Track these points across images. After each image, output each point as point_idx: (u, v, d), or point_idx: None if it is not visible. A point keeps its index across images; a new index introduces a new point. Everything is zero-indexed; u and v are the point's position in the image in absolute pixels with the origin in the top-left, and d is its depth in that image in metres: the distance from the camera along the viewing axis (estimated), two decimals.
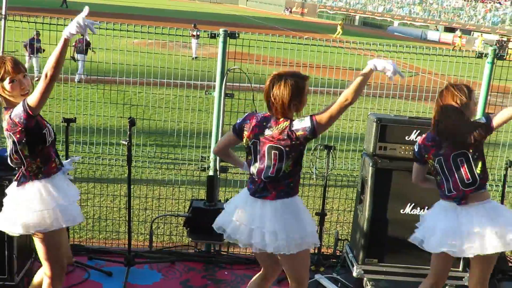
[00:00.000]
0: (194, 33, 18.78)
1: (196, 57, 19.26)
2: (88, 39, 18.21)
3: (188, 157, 6.27)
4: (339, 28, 47.67)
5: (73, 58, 16.10)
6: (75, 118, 4.98)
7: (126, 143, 4.87)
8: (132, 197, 5.80)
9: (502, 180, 5.26)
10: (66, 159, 5.10)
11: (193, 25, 22.79)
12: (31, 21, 5.52)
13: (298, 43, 5.82)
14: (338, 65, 6.48)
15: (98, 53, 5.88)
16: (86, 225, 6.27)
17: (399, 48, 5.90)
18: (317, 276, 5.32)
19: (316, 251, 5.57)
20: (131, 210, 5.28)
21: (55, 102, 3.71)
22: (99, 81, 6.41)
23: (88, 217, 6.46)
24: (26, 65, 4.30)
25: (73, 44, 15.50)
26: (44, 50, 7.76)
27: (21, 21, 5.58)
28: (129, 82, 6.14)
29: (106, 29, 5.55)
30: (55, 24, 5.49)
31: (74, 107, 6.26)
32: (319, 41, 5.97)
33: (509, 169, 5.17)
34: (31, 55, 12.37)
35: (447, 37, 64.39)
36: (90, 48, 14.76)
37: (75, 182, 6.75)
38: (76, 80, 11.15)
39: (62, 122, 4.92)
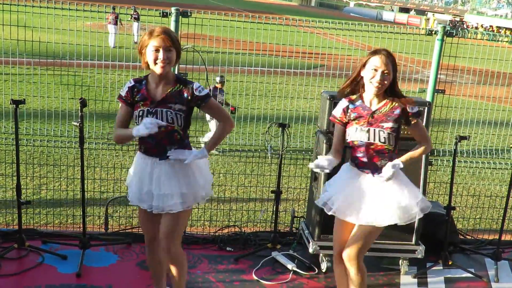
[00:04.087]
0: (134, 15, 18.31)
1: (135, 42, 17.90)
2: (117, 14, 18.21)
3: None
4: None
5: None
6: (24, 99, 4.85)
7: (78, 124, 4.79)
8: (88, 180, 5.73)
9: (453, 155, 5.39)
10: (16, 142, 5.01)
11: (132, 8, 21.98)
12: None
13: (251, 22, 5.79)
14: (293, 44, 6.50)
15: (48, 35, 5.73)
16: (41, 210, 6.17)
17: (351, 26, 5.95)
18: (274, 253, 5.37)
19: (273, 229, 5.62)
20: (87, 194, 5.22)
21: (4, 84, 3.62)
22: (51, 64, 6.27)
23: (43, 201, 6.37)
24: None
25: (106, 17, 16.89)
26: None
27: None
28: (83, 65, 6.02)
29: (55, 8, 5.43)
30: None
31: (26, 90, 6.13)
32: (272, 20, 5.96)
33: (458, 143, 5.30)
34: None
35: (402, 17, 65.24)
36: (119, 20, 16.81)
37: (32, 166, 6.66)
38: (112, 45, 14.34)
39: (10, 103, 4.80)
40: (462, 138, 5.26)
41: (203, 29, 5.55)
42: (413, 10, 73.08)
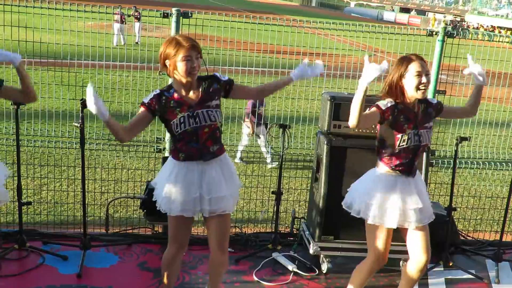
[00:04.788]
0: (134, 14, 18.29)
1: (136, 42, 17.54)
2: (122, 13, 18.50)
3: (144, 139, 6.22)
4: None
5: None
6: None
7: (79, 125, 4.80)
8: (88, 181, 5.73)
9: (454, 156, 5.39)
10: (17, 143, 5.01)
11: (133, 8, 21.69)
12: None
13: (252, 23, 5.79)
14: (293, 45, 6.50)
15: (48, 35, 5.74)
16: (41, 210, 6.17)
17: (352, 27, 5.94)
18: (275, 254, 5.37)
19: (273, 230, 5.62)
20: (88, 194, 5.22)
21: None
22: (51, 64, 6.27)
23: (44, 202, 6.37)
24: None
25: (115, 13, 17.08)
26: None
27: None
28: (83, 65, 6.02)
29: (56, 9, 5.42)
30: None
31: None
32: (272, 21, 5.96)
33: (459, 144, 5.29)
34: None
35: (403, 17, 65.21)
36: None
37: (32, 166, 6.65)
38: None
39: (11, 104, 4.80)
40: (463, 139, 5.26)
41: (204, 30, 5.55)
42: (413, 10, 73.06)
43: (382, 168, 3.95)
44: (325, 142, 5.05)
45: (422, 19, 60.11)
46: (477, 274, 5.33)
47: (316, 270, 5.21)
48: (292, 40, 6.46)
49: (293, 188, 6.58)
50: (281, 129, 5.38)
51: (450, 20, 52.69)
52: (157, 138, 5.97)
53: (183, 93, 3.72)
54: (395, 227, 3.93)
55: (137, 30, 20.18)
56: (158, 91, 3.72)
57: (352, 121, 3.64)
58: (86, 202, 5.11)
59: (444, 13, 66.97)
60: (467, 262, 5.61)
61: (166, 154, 5.57)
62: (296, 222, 5.95)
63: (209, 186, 3.75)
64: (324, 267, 5.18)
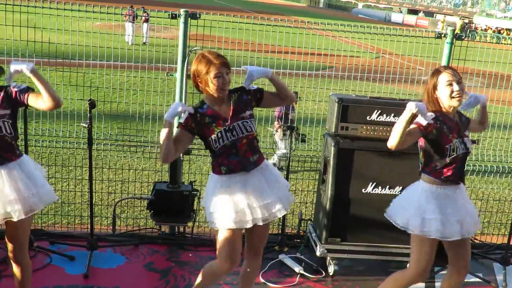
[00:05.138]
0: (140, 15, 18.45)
1: (144, 43, 18.06)
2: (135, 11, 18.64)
3: (152, 139, 6.23)
4: None
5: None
6: None
7: (86, 125, 4.81)
8: (95, 181, 5.74)
9: None
10: (25, 143, 5.03)
11: (142, 8, 21.49)
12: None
13: (260, 24, 5.79)
14: (301, 46, 6.49)
15: (57, 35, 5.76)
16: (49, 210, 6.18)
17: (360, 28, 5.93)
18: (281, 256, 5.37)
19: (280, 232, 5.61)
20: (95, 194, 5.23)
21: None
22: (59, 64, 6.29)
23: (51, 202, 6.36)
24: None
25: (124, 13, 17.44)
26: None
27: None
28: (91, 65, 6.04)
29: (65, 9, 5.44)
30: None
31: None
32: (281, 22, 5.96)
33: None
34: None
35: (411, 19, 65.07)
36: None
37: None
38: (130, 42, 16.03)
39: None
40: (472, 142, 5.22)
41: (212, 31, 5.56)
42: (421, 12, 72.89)
43: (432, 180, 3.89)
44: (333, 144, 5.04)
45: (430, 21, 59.96)
46: (484, 278, 5.30)
47: (323, 272, 5.20)
48: (300, 41, 6.45)
49: (300, 189, 6.56)
50: (288, 131, 5.38)
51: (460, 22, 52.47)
52: None
53: (216, 107, 3.77)
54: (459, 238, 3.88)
55: (145, 31, 20.22)
56: (192, 111, 3.73)
57: (392, 141, 3.69)
58: (93, 202, 5.12)
59: (452, 15, 66.77)
60: (475, 265, 5.58)
61: None
62: (303, 224, 5.94)
63: (255, 195, 3.76)
64: (331, 269, 5.17)
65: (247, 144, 3.76)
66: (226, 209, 3.74)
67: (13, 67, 3.55)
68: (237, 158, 3.74)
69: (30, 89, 3.63)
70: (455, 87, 3.77)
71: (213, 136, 3.72)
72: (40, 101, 3.59)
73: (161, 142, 3.64)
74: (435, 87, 3.83)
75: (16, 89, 3.59)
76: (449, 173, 3.85)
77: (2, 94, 3.58)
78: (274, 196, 3.81)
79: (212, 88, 3.68)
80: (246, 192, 3.75)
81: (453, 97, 3.79)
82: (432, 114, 3.78)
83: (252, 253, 4.15)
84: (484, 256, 5.74)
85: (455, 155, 3.82)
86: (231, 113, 3.75)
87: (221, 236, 3.84)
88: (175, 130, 3.84)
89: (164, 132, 3.61)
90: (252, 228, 3.85)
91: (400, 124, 3.64)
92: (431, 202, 3.86)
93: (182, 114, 3.74)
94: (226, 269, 3.92)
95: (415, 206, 3.89)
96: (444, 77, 3.80)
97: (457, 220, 3.84)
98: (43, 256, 5.05)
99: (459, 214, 3.86)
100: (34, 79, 3.55)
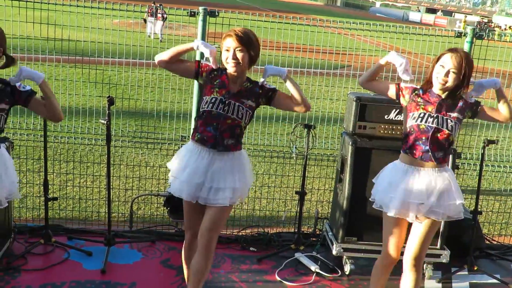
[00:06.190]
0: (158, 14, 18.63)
1: (160, 40, 18.28)
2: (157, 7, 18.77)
3: (169, 136, 6.25)
4: None
5: (144, 20, 19.38)
6: None
7: (105, 122, 4.84)
8: (113, 178, 5.78)
9: (480, 159, 5.33)
10: (44, 139, 5.07)
11: (159, 6, 20.95)
12: None
13: (278, 22, 5.79)
14: (319, 45, 6.48)
15: (76, 32, 5.81)
16: (67, 206, 6.24)
17: (379, 27, 5.90)
18: (297, 255, 5.36)
19: (296, 230, 5.61)
20: (112, 191, 5.26)
21: (33, 82, 3.69)
22: (78, 61, 6.34)
23: (68, 198, 6.43)
24: None
25: (146, 10, 18.41)
26: None
27: None
28: (109, 62, 6.08)
29: (86, 7, 5.48)
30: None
31: (53, 87, 6.20)
32: (299, 20, 5.95)
33: (486, 147, 5.23)
34: None
35: (429, 18, 64.62)
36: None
37: (58, 162, 6.73)
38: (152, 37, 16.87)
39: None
40: (490, 142, 5.19)
41: (230, 29, 5.56)
42: (440, 11, 72.36)
43: (400, 155, 3.96)
44: (350, 143, 5.03)
45: (448, 20, 59.49)
46: (502, 279, 5.26)
47: (339, 271, 5.19)
48: (318, 39, 6.44)
49: (316, 188, 6.55)
50: (305, 129, 5.37)
51: (477, 21, 52.03)
52: (181, 136, 6.00)
53: (229, 80, 3.79)
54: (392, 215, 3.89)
55: (159, 28, 20.28)
56: (215, 65, 3.82)
57: (361, 77, 3.95)
58: (111, 198, 5.15)
59: (471, 14, 66.20)
60: (492, 266, 5.54)
61: None
62: (319, 222, 5.93)
63: (213, 175, 3.76)
64: (347, 268, 5.16)
65: (229, 126, 3.75)
66: (183, 178, 3.78)
67: (26, 74, 3.59)
68: (214, 132, 3.73)
69: (33, 93, 3.70)
70: (442, 73, 3.72)
71: (208, 97, 3.75)
72: (41, 109, 3.66)
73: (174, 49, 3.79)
74: (436, 60, 3.81)
75: (21, 89, 3.64)
76: (409, 144, 3.83)
77: (7, 89, 3.62)
78: (228, 184, 3.76)
79: (222, 59, 3.73)
80: (207, 170, 3.75)
81: (436, 79, 3.76)
82: (415, 86, 3.90)
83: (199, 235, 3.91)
84: (502, 257, 5.69)
85: (413, 123, 3.80)
86: (235, 91, 3.77)
87: (183, 204, 4.00)
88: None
89: (182, 46, 3.79)
90: (206, 208, 3.84)
91: (375, 64, 3.90)
92: (386, 176, 3.98)
93: (205, 57, 3.82)
94: (187, 240, 4.09)
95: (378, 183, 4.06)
96: (446, 58, 3.74)
97: (400, 198, 3.81)
98: (61, 251, 5.10)
99: (410, 194, 3.80)
100: (43, 91, 3.60)
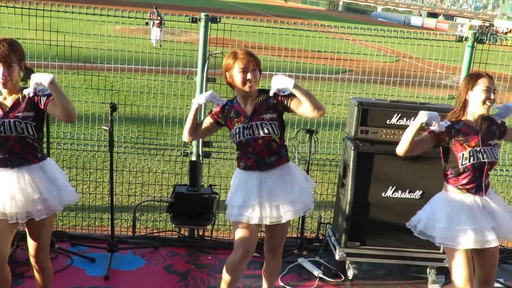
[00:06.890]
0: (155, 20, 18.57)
1: (158, 47, 18.01)
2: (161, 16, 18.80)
3: (171, 142, 6.27)
4: None
5: (146, 23, 19.62)
6: None
7: (108, 128, 4.86)
8: (115, 184, 5.79)
9: None
10: (47, 146, 5.09)
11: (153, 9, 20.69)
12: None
13: (279, 28, 5.80)
14: (320, 50, 6.48)
15: (79, 39, 5.83)
16: (69, 212, 6.24)
17: (380, 32, 5.91)
18: (300, 260, 5.37)
19: (299, 235, 5.61)
20: (115, 197, 5.27)
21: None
22: (81, 68, 6.36)
23: (71, 204, 6.42)
24: None
25: (148, 16, 18.57)
26: None
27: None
28: (111, 69, 6.10)
29: (89, 13, 5.50)
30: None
31: None
32: (300, 26, 5.96)
33: None
34: None
35: (430, 22, 64.64)
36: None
37: (61, 168, 6.73)
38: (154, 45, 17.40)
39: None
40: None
41: (232, 34, 5.59)
42: (441, 15, 72.41)
43: (450, 188, 3.90)
44: (352, 148, 5.03)
45: (450, 24, 59.52)
46: (506, 284, 5.25)
47: (342, 276, 5.19)
48: (319, 44, 6.45)
49: (319, 193, 6.54)
50: (308, 134, 5.38)
51: (479, 25, 52.04)
52: (184, 142, 6.00)
53: (243, 104, 3.88)
54: (471, 247, 3.78)
55: (158, 35, 20.15)
56: (224, 102, 3.91)
57: (400, 149, 3.78)
58: (113, 204, 5.16)
59: (473, 18, 66.24)
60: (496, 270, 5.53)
61: (193, 158, 5.59)
62: (322, 227, 5.93)
63: (268, 195, 3.83)
64: (350, 273, 5.16)
65: (263, 145, 3.82)
66: (237, 202, 3.86)
67: (34, 80, 3.57)
68: (253, 156, 3.84)
69: (50, 95, 3.63)
70: (491, 95, 3.76)
71: (232, 131, 3.86)
72: (57, 111, 3.62)
73: (188, 121, 3.88)
74: (471, 88, 3.80)
75: (40, 94, 3.63)
76: (463, 182, 3.82)
77: (27, 97, 3.62)
78: (286, 198, 3.84)
79: (237, 82, 3.79)
80: (261, 190, 3.83)
81: (485, 104, 3.76)
82: (447, 122, 3.80)
83: (269, 253, 4.23)
84: (505, 261, 5.68)
85: (467, 163, 3.78)
86: (251, 112, 3.84)
87: (235, 228, 3.98)
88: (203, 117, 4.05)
89: (191, 112, 3.87)
90: (269, 227, 3.97)
91: (409, 131, 3.70)
92: (445, 209, 3.86)
93: (213, 104, 3.92)
94: (239, 256, 3.93)
95: (435, 217, 3.88)
96: (484, 82, 3.77)
97: (472, 228, 3.75)
98: (64, 257, 5.11)
99: (474, 222, 3.77)
100: (52, 92, 3.56)
